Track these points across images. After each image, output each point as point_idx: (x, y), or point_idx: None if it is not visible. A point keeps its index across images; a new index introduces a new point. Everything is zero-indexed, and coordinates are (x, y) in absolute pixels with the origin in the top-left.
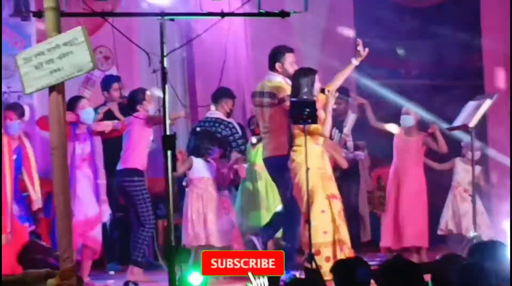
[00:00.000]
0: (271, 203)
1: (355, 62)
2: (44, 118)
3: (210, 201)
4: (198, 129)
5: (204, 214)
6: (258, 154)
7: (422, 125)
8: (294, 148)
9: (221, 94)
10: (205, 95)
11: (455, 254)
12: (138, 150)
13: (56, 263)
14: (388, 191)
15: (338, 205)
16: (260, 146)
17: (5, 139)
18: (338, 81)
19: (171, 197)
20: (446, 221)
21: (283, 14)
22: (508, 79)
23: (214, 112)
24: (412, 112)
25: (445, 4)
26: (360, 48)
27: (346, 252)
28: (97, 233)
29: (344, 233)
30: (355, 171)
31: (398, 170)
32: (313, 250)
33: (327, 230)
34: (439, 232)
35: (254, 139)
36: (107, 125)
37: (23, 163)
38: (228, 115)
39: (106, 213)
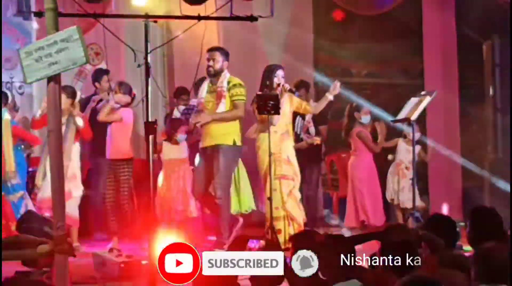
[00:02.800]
0: (242, 188)
1: (330, 96)
2: (34, 119)
3: (189, 179)
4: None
5: (183, 191)
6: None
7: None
8: (257, 135)
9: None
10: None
11: (399, 224)
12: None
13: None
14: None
15: (288, 184)
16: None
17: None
18: (316, 110)
19: (151, 177)
20: (390, 193)
21: (252, 18)
22: (445, 78)
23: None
24: (369, 111)
25: (391, 12)
26: (335, 86)
27: (295, 226)
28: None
29: (293, 210)
30: (316, 156)
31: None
32: (267, 224)
33: (278, 206)
34: None
35: None
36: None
37: None
38: None
39: (77, 190)
